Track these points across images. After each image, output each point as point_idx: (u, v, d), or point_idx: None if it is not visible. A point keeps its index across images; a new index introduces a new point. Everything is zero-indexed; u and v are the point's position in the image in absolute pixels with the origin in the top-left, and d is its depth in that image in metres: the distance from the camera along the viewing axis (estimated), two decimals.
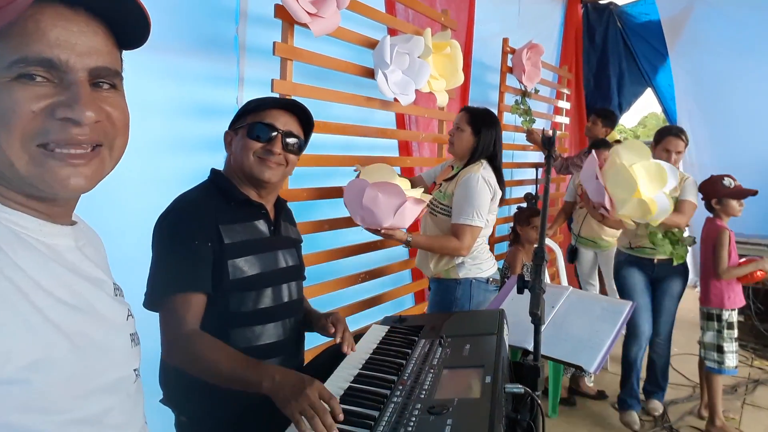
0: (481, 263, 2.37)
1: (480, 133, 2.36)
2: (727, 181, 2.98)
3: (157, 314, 1.31)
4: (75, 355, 0.64)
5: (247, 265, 1.38)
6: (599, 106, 5.38)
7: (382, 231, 2.12)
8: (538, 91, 4.27)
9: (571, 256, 3.94)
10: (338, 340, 1.44)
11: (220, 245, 1.35)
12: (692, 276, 5.99)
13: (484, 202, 2.24)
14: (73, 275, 0.68)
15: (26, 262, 0.62)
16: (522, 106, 4.08)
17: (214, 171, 1.53)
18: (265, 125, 1.45)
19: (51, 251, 0.67)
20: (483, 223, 2.25)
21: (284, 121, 1.48)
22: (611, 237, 3.73)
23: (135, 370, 0.78)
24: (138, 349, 0.80)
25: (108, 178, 1.79)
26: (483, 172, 2.27)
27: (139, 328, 0.83)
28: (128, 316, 0.79)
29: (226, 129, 1.54)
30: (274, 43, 1.99)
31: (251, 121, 1.45)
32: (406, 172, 2.96)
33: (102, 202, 1.69)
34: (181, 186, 1.98)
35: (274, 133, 1.45)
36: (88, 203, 1.65)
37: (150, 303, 1.30)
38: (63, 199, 0.69)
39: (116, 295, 0.77)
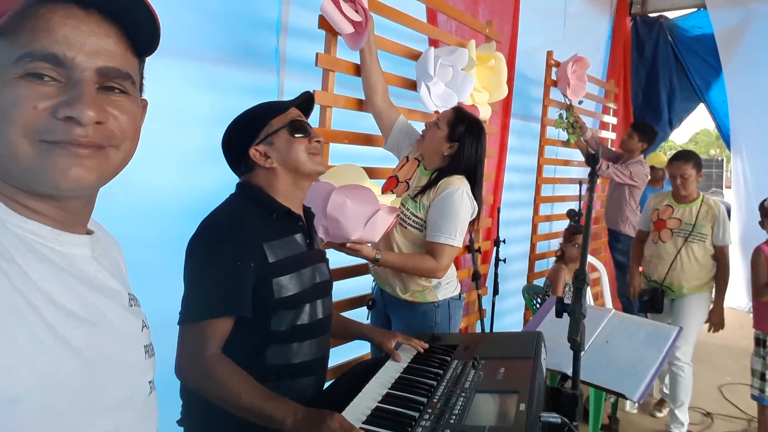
0: (452, 280, 2.15)
1: (460, 142, 2.03)
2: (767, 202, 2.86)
3: (159, 317, 1.29)
4: (85, 371, 0.62)
5: (291, 283, 1.35)
6: (647, 121, 5.22)
7: (348, 245, 1.83)
8: (582, 102, 4.16)
9: (659, 303, 3.24)
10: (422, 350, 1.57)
11: (264, 264, 1.31)
12: (747, 300, 5.74)
13: (465, 221, 2.00)
14: (87, 287, 0.67)
15: (38, 274, 0.61)
16: (568, 120, 3.99)
17: (244, 185, 1.46)
18: (300, 121, 1.43)
19: (65, 261, 0.66)
20: (461, 243, 2.01)
21: (300, 113, 1.48)
22: (695, 281, 3.15)
23: (150, 382, 0.77)
24: (152, 360, 0.78)
25: (146, 185, 1.83)
26: (466, 186, 2.00)
27: (157, 337, 0.82)
28: (143, 327, 0.77)
29: (251, 149, 1.41)
30: (317, 54, 1.99)
31: (288, 121, 1.42)
32: None
33: (139, 209, 1.73)
34: (218, 194, 2.00)
35: (307, 126, 1.45)
36: (123, 210, 1.68)
37: (184, 321, 1.27)
38: (69, 197, 0.67)
39: (131, 306, 0.76)
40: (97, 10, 0.64)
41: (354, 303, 2.29)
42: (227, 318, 1.26)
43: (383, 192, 2.07)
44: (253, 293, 1.29)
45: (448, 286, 2.11)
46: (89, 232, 0.74)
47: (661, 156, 5.11)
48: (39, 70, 0.60)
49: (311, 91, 1.50)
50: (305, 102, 1.50)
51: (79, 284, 0.66)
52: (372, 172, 2.30)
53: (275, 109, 1.44)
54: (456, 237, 1.96)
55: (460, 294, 2.19)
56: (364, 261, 2.14)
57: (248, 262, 1.28)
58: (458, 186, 1.97)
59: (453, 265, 2.18)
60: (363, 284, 2.40)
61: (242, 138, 1.43)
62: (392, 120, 2.24)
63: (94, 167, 0.64)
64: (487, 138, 2.12)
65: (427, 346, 1.60)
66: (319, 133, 1.45)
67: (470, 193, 2.01)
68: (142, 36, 0.68)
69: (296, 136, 1.41)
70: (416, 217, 2.03)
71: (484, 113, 2.81)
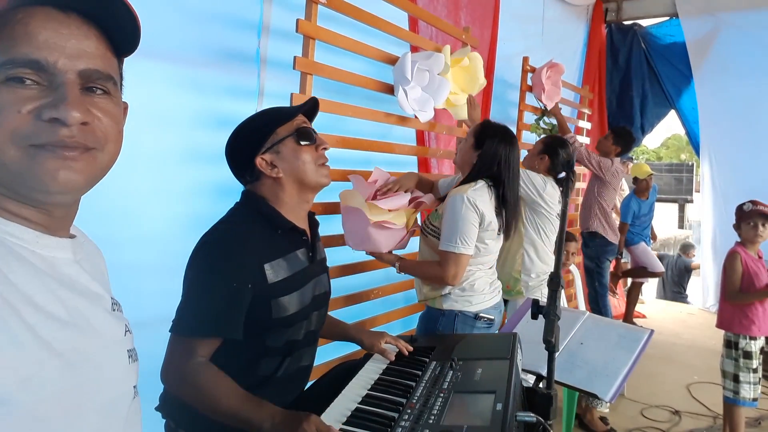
0: (471, 296, 2.10)
1: (482, 147, 2.11)
2: (746, 206, 2.93)
3: (159, 323, 1.29)
4: (67, 373, 0.62)
5: (290, 303, 1.34)
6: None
7: (369, 252, 2.07)
8: (560, 109, 4.23)
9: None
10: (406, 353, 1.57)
11: (263, 285, 1.28)
12: (715, 302, 5.90)
13: (470, 227, 1.99)
14: (69, 290, 0.66)
15: (19, 277, 0.60)
16: (543, 125, 4.06)
17: (249, 196, 1.41)
18: (306, 128, 1.39)
19: (47, 264, 0.65)
20: (470, 251, 2.00)
21: (305, 120, 1.44)
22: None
23: (134, 387, 0.76)
24: (136, 365, 0.78)
25: (124, 187, 1.81)
26: (471, 192, 2.00)
27: (138, 338, 0.81)
28: (126, 331, 0.76)
29: (257, 157, 1.37)
30: (295, 57, 1.99)
31: (294, 129, 1.38)
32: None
33: (118, 211, 1.71)
34: (197, 197, 1.99)
35: (312, 133, 1.41)
36: (103, 212, 1.67)
37: (174, 332, 1.26)
38: (59, 201, 0.67)
39: (114, 310, 0.75)
40: (76, 12, 0.63)
41: (351, 300, 2.37)
42: (216, 338, 1.26)
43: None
44: (249, 312, 1.26)
45: (460, 299, 2.09)
46: (71, 236, 0.73)
47: (645, 167, 5.22)
48: (20, 75, 0.60)
49: (316, 98, 1.47)
50: (311, 108, 1.47)
51: (60, 287, 0.65)
52: (347, 175, 2.32)
53: (281, 116, 1.40)
54: (457, 244, 1.98)
55: (477, 313, 2.10)
56: (362, 259, 2.33)
57: (246, 284, 1.25)
58: (458, 193, 2.01)
59: (486, 280, 2.16)
60: (361, 282, 2.48)
61: (248, 146, 1.38)
62: (440, 192, 2.39)
63: (83, 169, 0.64)
64: (511, 144, 2.13)
65: (411, 348, 1.59)
66: (324, 140, 1.42)
67: (476, 199, 2.00)
68: (122, 37, 0.68)
69: (302, 144, 1.38)
70: (433, 225, 2.13)
71: (461, 114, 2.85)
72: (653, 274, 5.36)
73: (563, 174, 2.85)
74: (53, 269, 0.66)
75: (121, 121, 0.71)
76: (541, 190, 2.66)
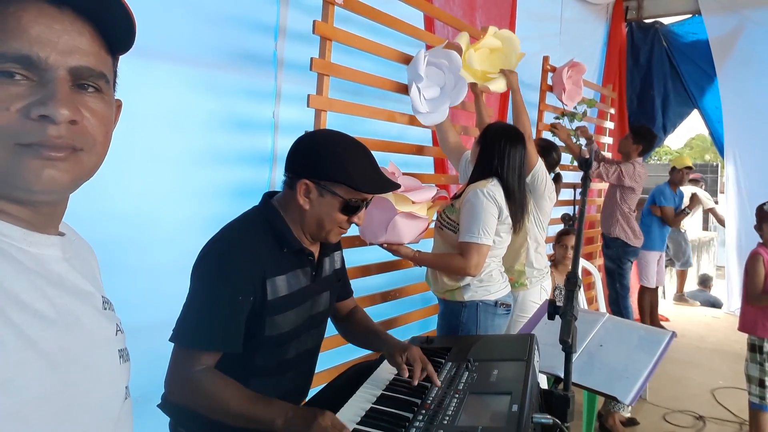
0: (489, 285, 2.20)
1: (482, 147, 2.24)
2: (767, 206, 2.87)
3: (157, 321, 1.28)
4: (53, 374, 0.60)
5: (284, 322, 1.33)
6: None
7: (386, 246, 2.09)
8: (586, 113, 4.17)
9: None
10: (415, 383, 1.34)
11: (262, 301, 1.28)
12: (738, 304, 5.78)
13: (490, 218, 2.10)
14: (57, 288, 0.65)
15: (4, 274, 0.59)
16: (570, 125, 4.00)
17: (269, 207, 1.39)
18: (361, 202, 1.37)
19: (35, 262, 0.64)
20: (490, 241, 2.11)
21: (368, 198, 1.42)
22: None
23: (126, 387, 0.74)
24: (127, 366, 0.76)
25: (143, 189, 1.83)
26: (490, 187, 2.13)
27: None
28: (117, 331, 0.74)
29: (306, 179, 1.33)
30: (312, 58, 2.00)
31: (350, 198, 1.34)
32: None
33: (136, 212, 1.73)
34: (215, 199, 2.01)
35: (361, 207, 1.39)
36: (121, 214, 1.68)
37: (176, 341, 1.25)
38: (42, 201, 0.65)
39: (105, 309, 0.73)
40: (70, 7, 0.62)
41: (368, 301, 2.37)
42: (218, 351, 1.26)
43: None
44: (246, 326, 1.27)
45: (479, 289, 2.19)
46: (60, 234, 0.71)
47: (684, 158, 5.05)
48: (10, 69, 0.59)
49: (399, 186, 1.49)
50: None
51: (48, 285, 0.63)
52: None
53: (358, 180, 1.34)
54: (479, 235, 2.07)
55: (497, 301, 2.20)
56: (379, 261, 2.36)
57: (248, 297, 1.26)
58: (477, 188, 2.12)
59: (498, 270, 2.28)
60: (378, 283, 2.50)
61: (310, 163, 1.34)
62: (460, 155, 2.54)
63: (68, 169, 0.63)
64: (514, 141, 2.23)
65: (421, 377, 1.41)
66: (360, 216, 1.40)
67: (494, 193, 2.12)
68: (116, 34, 0.67)
69: (342, 213, 1.35)
70: (450, 219, 2.21)
71: (498, 87, 2.87)
72: (643, 288, 5.08)
73: (552, 175, 3.01)
74: (41, 267, 0.64)
75: (111, 122, 0.69)
76: (551, 186, 2.73)
